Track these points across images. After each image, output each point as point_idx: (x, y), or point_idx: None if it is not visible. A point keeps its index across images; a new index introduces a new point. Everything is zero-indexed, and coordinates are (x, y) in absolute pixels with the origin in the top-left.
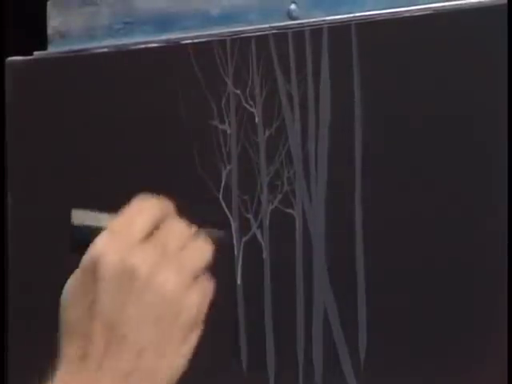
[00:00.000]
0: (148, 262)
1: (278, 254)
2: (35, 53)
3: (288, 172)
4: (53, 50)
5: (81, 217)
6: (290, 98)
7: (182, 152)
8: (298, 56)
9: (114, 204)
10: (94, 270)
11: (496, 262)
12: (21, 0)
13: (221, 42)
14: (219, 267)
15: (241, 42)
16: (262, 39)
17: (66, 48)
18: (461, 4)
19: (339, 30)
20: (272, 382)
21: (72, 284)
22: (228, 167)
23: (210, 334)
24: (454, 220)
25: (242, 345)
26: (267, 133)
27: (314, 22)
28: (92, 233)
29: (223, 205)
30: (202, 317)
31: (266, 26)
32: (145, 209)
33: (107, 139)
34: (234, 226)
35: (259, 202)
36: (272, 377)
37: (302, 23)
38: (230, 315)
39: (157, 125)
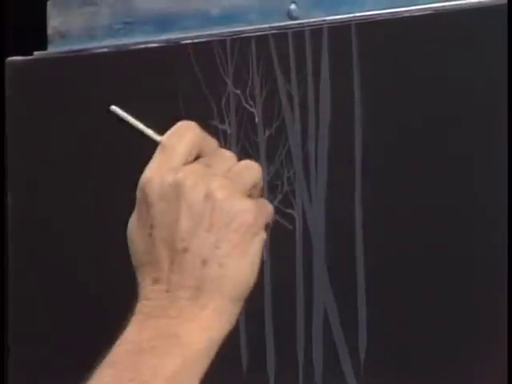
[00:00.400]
0: (194, 175)
1: (278, 254)
2: (35, 53)
3: (288, 172)
4: (53, 50)
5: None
6: (290, 97)
7: None
8: (298, 56)
9: (114, 204)
10: (145, 198)
11: (496, 262)
12: (21, 0)
13: (221, 42)
14: None
15: (241, 42)
16: (261, 39)
17: (66, 48)
18: (461, 4)
19: (339, 30)
20: (272, 382)
21: (131, 220)
22: None
23: None
24: (454, 220)
25: (241, 345)
26: (267, 133)
27: (313, 22)
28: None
29: None
30: (262, 225)
31: (266, 26)
32: (190, 134)
33: (107, 139)
34: None
35: None
36: (272, 377)
37: (301, 23)
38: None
39: (157, 125)
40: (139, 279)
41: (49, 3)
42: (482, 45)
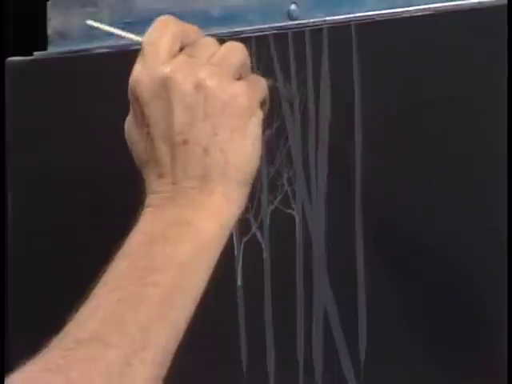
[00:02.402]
0: (181, 67)
1: (278, 254)
2: (35, 53)
3: (288, 172)
4: (53, 50)
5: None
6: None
7: None
8: (298, 56)
9: (114, 204)
10: (136, 99)
11: (496, 262)
12: (21, 0)
13: (221, 42)
14: (219, 268)
15: (241, 42)
16: (262, 39)
17: (66, 48)
18: (461, 4)
19: (339, 31)
20: (272, 382)
21: (127, 122)
22: None
23: (210, 334)
24: (454, 220)
25: (242, 345)
26: (267, 133)
27: (314, 22)
28: None
29: None
30: (256, 105)
31: (266, 26)
32: (170, 28)
33: (107, 139)
34: None
35: (259, 203)
36: (272, 377)
37: (302, 23)
38: (230, 315)
39: None
40: (145, 178)
41: (49, 3)
42: (482, 45)
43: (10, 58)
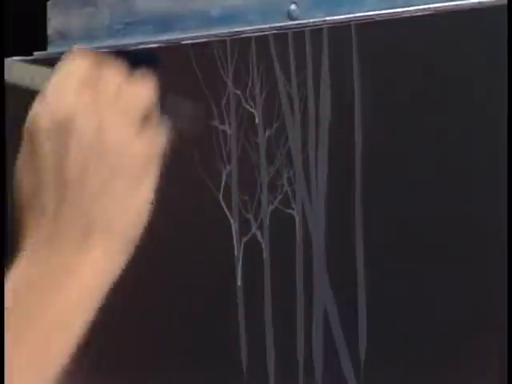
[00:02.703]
0: (81, 109)
1: (278, 254)
2: (35, 53)
3: (288, 172)
4: (53, 50)
5: (18, 71)
6: (290, 98)
7: (182, 152)
8: (298, 56)
9: None
10: (31, 138)
11: (496, 262)
12: (21, 0)
13: (221, 42)
14: (219, 268)
15: (241, 43)
16: (262, 40)
17: (66, 48)
18: (461, 4)
19: (339, 31)
20: (272, 382)
21: (19, 160)
22: (228, 167)
23: (210, 334)
24: (454, 220)
25: (242, 345)
26: (267, 133)
27: (313, 22)
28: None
29: (223, 205)
30: (151, 167)
31: (266, 26)
32: (76, 67)
33: None
34: (234, 226)
35: (259, 203)
36: (272, 377)
37: (301, 23)
38: (230, 315)
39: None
40: (24, 219)
41: (49, 3)
42: (482, 45)
43: (10, 59)
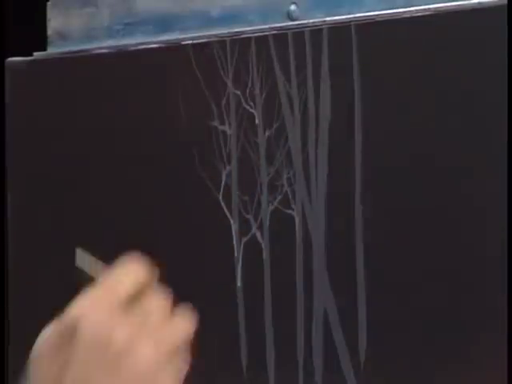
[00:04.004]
0: (126, 332)
1: (278, 254)
2: (35, 53)
3: (288, 173)
4: (52, 50)
5: (82, 259)
6: (290, 98)
7: (182, 152)
8: (298, 56)
9: (114, 203)
10: (72, 330)
11: (496, 262)
12: (21, 0)
13: (221, 42)
14: (219, 268)
15: (241, 43)
16: (261, 40)
17: (66, 49)
18: (461, 4)
19: (339, 31)
20: (272, 382)
21: (47, 338)
22: (228, 168)
23: (210, 334)
24: (454, 221)
25: (241, 345)
26: (267, 133)
27: (313, 22)
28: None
29: (223, 205)
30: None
31: (266, 26)
32: (130, 273)
33: (107, 139)
34: (233, 226)
35: (259, 203)
36: (272, 377)
37: (301, 24)
38: (230, 315)
39: (157, 125)
40: None
41: (49, 4)
42: (482, 45)
43: (10, 59)
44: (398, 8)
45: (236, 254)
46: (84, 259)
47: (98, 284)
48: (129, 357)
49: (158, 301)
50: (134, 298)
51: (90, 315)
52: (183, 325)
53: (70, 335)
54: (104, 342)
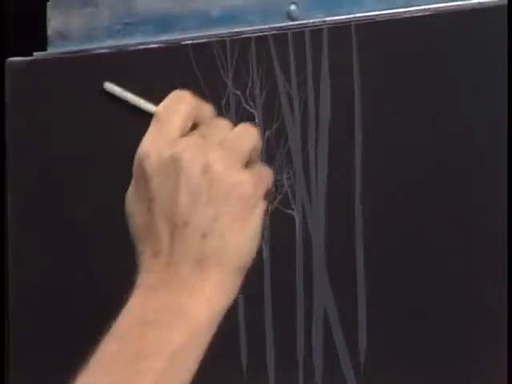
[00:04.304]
0: (191, 148)
1: (278, 254)
2: (35, 53)
3: (288, 172)
4: (53, 50)
5: (110, 88)
6: (290, 98)
7: None
8: (298, 57)
9: (114, 203)
10: (142, 172)
11: (496, 262)
12: (21, 0)
13: (221, 42)
14: None
15: (241, 43)
16: (261, 40)
17: (66, 49)
18: (461, 4)
19: (339, 31)
20: (272, 382)
21: (129, 194)
22: None
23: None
24: (453, 221)
25: (241, 345)
26: (267, 133)
27: (313, 22)
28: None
29: None
30: (261, 195)
31: (266, 26)
32: (181, 104)
33: (107, 139)
34: None
35: None
36: (272, 377)
37: (301, 24)
38: (230, 315)
39: None
40: (139, 252)
41: (49, 4)
42: (482, 45)
43: (10, 59)
44: (398, 8)
45: None
46: (112, 88)
47: (152, 123)
48: (197, 167)
49: (218, 124)
50: (191, 127)
51: (151, 152)
52: (248, 131)
53: (143, 178)
54: (171, 166)
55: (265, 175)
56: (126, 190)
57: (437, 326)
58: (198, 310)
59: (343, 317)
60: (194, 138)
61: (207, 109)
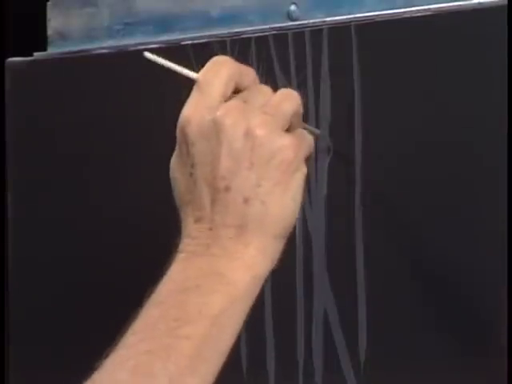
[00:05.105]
0: (233, 112)
1: None
2: (35, 54)
3: None
4: (53, 50)
5: (150, 57)
6: None
7: None
8: (298, 57)
9: (114, 203)
10: (184, 138)
11: (496, 262)
12: (21, 0)
13: (221, 42)
14: None
15: (241, 43)
16: (261, 40)
17: (66, 49)
18: (461, 4)
19: (339, 31)
20: (272, 382)
21: (173, 160)
22: None
23: None
24: (454, 221)
25: (241, 345)
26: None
27: (313, 22)
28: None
29: None
30: (302, 160)
31: (266, 26)
32: (226, 69)
33: (107, 139)
34: None
35: None
36: (272, 377)
37: (301, 24)
38: None
39: (157, 125)
40: (182, 217)
41: (49, 4)
42: (482, 45)
43: (10, 59)
44: (398, 8)
45: None
46: (152, 57)
47: (194, 90)
48: (239, 131)
49: (259, 90)
50: (234, 92)
51: (192, 119)
52: (290, 96)
53: (185, 145)
54: (212, 131)
55: (305, 140)
56: (126, 189)
57: (437, 325)
58: (238, 275)
59: (343, 317)
60: (235, 103)
61: (249, 73)
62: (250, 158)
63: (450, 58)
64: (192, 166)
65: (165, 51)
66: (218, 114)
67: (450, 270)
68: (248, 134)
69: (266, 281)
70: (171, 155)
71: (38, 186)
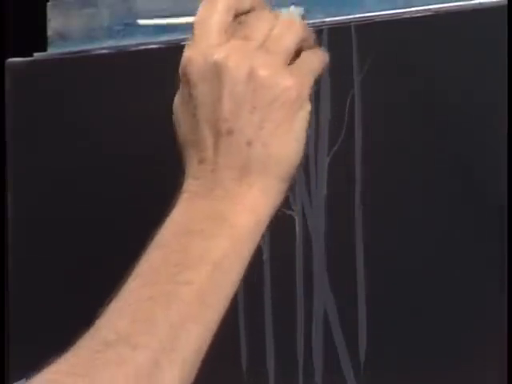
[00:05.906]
0: (235, 53)
1: (278, 254)
2: (35, 54)
3: None
4: (53, 51)
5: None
6: None
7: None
8: None
9: (114, 203)
10: (187, 79)
11: (496, 262)
12: (21, 1)
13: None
14: None
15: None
16: None
17: (66, 49)
18: (461, 4)
19: (339, 32)
20: (272, 382)
21: (176, 101)
22: None
23: None
24: (454, 221)
25: (241, 345)
26: None
27: (313, 23)
28: None
29: None
30: (305, 98)
31: None
32: (221, 2)
33: (107, 139)
34: None
35: None
36: (272, 377)
37: None
38: (230, 315)
39: (157, 125)
40: (186, 159)
41: (49, 4)
42: (482, 45)
43: (10, 59)
44: (398, 8)
45: None
46: (147, 22)
47: (194, 28)
48: (241, 73)
49: (258, 19)
50: (232, 26)
51: (193, 60)
52: (293, 27)
53: (187, 85)
54: (214, 73)
55: (308, 73)
56: (126, 188)
57: (437, 326)
58: (241, 218)
59: (343, 317)
60: (237, 43)
61: None
62: (252, 100)
63: (449, 58)
64: (194, 107)
65: (165, 51)
66: (220, 55)
67: (450, 270)
68: (250, 76)
69: (268, 226)
70: (171, 156)
71: (38, 186)
